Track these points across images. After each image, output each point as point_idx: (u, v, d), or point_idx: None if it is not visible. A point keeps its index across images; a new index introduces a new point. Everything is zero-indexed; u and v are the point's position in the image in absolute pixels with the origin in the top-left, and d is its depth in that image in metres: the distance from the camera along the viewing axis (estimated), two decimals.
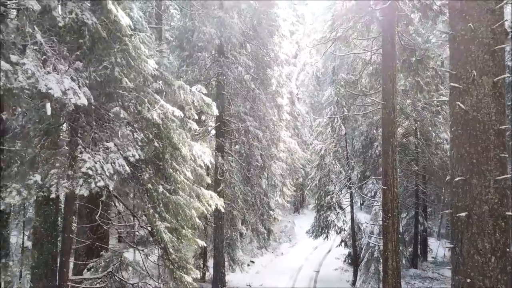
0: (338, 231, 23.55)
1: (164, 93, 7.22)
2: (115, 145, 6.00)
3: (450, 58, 7.93)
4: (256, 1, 17.52)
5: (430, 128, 23.26)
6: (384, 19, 12.37)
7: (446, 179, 7.93)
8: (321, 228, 22.90)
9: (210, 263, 21.09)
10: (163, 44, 22.07)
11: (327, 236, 23.85)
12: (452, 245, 7.73)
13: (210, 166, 7.86)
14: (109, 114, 6.25)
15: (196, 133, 8.74)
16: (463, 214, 7.35)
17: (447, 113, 25.63)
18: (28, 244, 18.43)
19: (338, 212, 22.28)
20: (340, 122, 21.80)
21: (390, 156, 13.22)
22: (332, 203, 22.13)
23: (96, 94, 6.06)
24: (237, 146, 19.81)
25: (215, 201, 8.01)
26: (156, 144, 6.59)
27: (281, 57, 19.10)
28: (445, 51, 22.79)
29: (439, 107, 23.43)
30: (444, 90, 22.49)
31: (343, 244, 24.36)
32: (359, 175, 24.81)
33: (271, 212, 19.80)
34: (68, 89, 5.09)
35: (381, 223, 21.03)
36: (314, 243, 28.98)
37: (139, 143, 6.31)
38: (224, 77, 16.97)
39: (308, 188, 24.61)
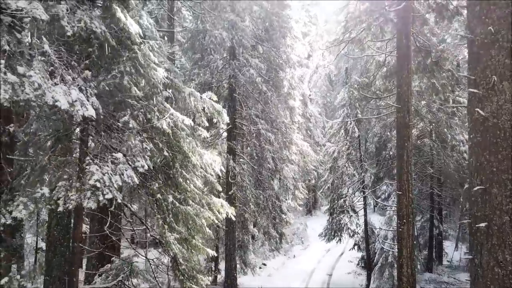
0: (351, 234, 23.23)
1: (174, 101, 7.11)
2: (123, 155, 5.91)
3: (469, 63, 7.67)
4: (268, 1, 17.38)
5: (445, 130, 22.77)
6: (399, 21, 12.10)
7: (464, 187, 7.69)
8: (334, 232, 22.62)
9: (222, 265, 21.00)
10: (175, 46, 22.08)
11: (340, 240, 23.56)
12: (471, 256, 7.48)
13: (220, 174, 7.70)
14: (118, 123, 6.17)
15: (208, 136, 8.67)
16: (483, 224, 7.09)
17: (462, 114, 25.09)
18: (42, 245, 18.56)
19: (351, 216, 21.97)
20: (354, 124, 21.50)
21: (405, 160, 12.95)
22: (345, 206, 21.85)
23: (105, 103, 5.98)
24: (248, 149, 19.68)
25: (225, 209, 7.89)
26: (166, 153, 6.49)
27: (293, 59, 18.90)
28: (461, 52, 22.31)
29: (454, 109, 22.92)
30: (461, 92, 22.00)
31: (356, 247, 24.03)
32: (372, 177, 24.43)
33: (283, 216, 19.61)
34: (76, 101, 5.01)
35: (395, 228, 20.71)
36: (327, 245, 28.67)
37: (148, 153, 6.21)
38: (236, 80, 16.87)
39: (321, 191, 24.36)
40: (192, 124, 6.85)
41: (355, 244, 24.01)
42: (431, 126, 23.55)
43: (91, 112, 5.21)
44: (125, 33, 5.80)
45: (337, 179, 22.60)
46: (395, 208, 23.13)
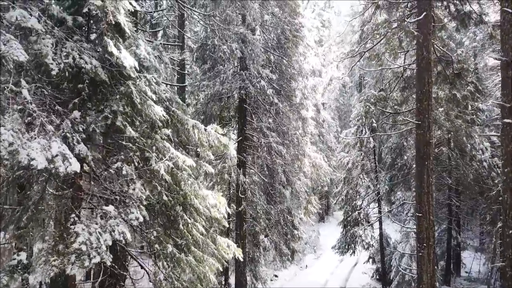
0: (365, 247, 22.43)
1: (176, 134, 6.52)
2: (115, 207, 5.33)
3: (502, 88, 6.93)
4: (280, 9, 16.72)
5: (465, 139, 21.79)
6: (418, 32, 11.31)
7: (497, 226, 6.96)
8: (347, 245, 21.86)
9: (232, 279, 20.43)
10: (185, 52, 21.56)
11: (353, 252, 22.81)
12: None
13: (226, 216, 6.97)
14: (110, 170, 5.59)
15: (213, 172, 8.14)
16: None
17: (481, 120, 24.13)
18: None
19: (366, 229, 21.19)
20: (369, 133, 20.69)
21: (425, 180, 12.18)
22: (359, 219, 21.07)
23: (95, 147, 5.42)
24: (259, 160, 19.05)
25: (232, 250, 7.26)
26: (165, 197, 5.90)
27: (305, 68, 18.21)
28: (483, 58, 21.38)
29: (474, 116, 21.95)
30: (481, 98, 20.98)
31: (371, 260, 23.20)
32: (386, 181, 23.52)
33: (295, 232, 18.94)
34: (57, 155, 4.43)
35: (412, 245, 19.89)
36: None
37: (144, 202, 5.61)
38: (247, 91, 16.25)
39: (335, 202, 23.60)
40: (195, 165, 6.25)
41: (369, 257, 23.21)
42: (449, 135, 22.60)
43: (74, 167, 4.62)
44: (119, 67, 5.22)
45: (351, 190, 21.85)
46: (410, 219, 22.35)
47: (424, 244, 12.06)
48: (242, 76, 16.25)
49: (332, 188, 35.82)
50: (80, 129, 5.10)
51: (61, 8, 5.33)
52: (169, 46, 22.14)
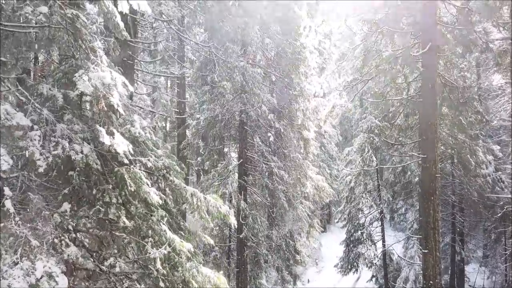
0: (368, 265, 22.17)
1: (174, 203, 6.26)
2: None
3: None
4: (281, 28, 16.44)
5: (469, 157, 21.44)
6: (424, 69, 10.96)
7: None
8: (350, 264, 21.59)
9: None
10: (185, 67, 21.23)
11: (356, 270, 22.55)
12: None
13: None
14: (102, 267, 5.30)
15: (213, 245, 7.93)
16: None
17: (484, 131, 23.82)
18: None
19: (368, 249, 20.91)
20: (371, 152, 20.35)
21: (431, 215, 11.88)
22: (362, 238, 20.79)
23: (85, 244, 5.14)
24: (261, 181, 18.76)
25: None
26: (162, 284, 5.60)
27: (307, 91, 17.91)
28: (488, 78, 21.03)
29: (478, 131, 21.62)
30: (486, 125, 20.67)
31: (374, 279, 22.87)
32: (390, 192, 23.22)
33: (298, 256, 18.65)
34: (42, 277, 4.15)
35: (417, 270, 19.67)
36: None
37: None
38: (247, 115, 15.96)
39: (337, 221, 23.36)
40: (192, 249, 5.96)
41: (373, 276, 22.90)
42: (453, 151, 22.26)
43: (61, 286, 4.30)
44: (112, 152, 4.93)
45: (353, 209, 21.57)
46: (414, 243, 22.05)
47: (431, 282, 11.78)
48: (242, 99, 15.93)
49: (334, 197, 35.53)
50: (70, 227, 4.81)
51: (52, 82, 5.04)
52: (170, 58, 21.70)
